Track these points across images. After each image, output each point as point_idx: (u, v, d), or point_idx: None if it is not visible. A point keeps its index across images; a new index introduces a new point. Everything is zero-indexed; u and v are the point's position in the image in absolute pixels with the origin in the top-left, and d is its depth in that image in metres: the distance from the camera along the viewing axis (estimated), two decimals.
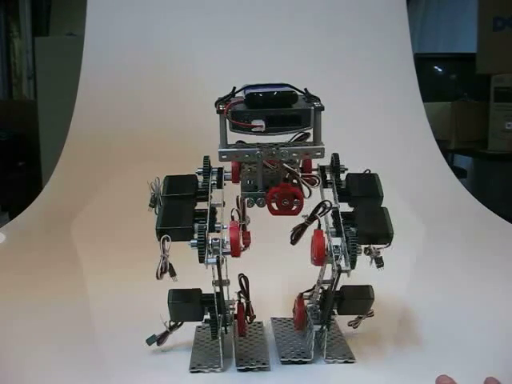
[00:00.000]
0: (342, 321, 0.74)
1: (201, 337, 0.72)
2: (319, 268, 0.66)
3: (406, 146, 1.56)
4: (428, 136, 1.60)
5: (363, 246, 0.62)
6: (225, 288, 0.63)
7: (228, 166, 0.69)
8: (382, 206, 0.66)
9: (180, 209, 0.65)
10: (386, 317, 0.79)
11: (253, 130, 0.58)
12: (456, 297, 0.90)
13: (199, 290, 0.67)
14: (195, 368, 0.65)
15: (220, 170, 0.70)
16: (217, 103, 0.61)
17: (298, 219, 0.63)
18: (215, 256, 0.60)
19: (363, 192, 0.68)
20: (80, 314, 0.85)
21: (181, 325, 0.69)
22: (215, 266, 0.60)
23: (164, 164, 0.99)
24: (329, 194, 0.66)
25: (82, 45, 1.63)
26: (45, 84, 2.09)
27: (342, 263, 0.60)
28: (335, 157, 0.70)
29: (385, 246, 0.63)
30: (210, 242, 0.61)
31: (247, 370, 0.65)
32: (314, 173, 0.69)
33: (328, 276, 0.64)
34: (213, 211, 0.65)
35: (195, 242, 0.61)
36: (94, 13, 1.65)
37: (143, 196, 0.70)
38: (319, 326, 0.66)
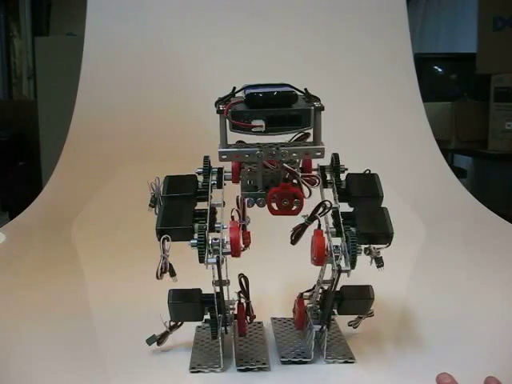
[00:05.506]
0: (342, 321, 0.74)
1: (201, 337, 0.72)
2: (319, 268, 0.66)
3: (406, 146, 1.55)
4: (428, 136, 1.60)
5: (363, 246, 0.62)
6: (225, 288, 0.63)
7: (228, 166, 0.69)
8: (382, 205, 0.66)
9: (180, 209, 0.65)
10: (386, 317, 0.79)
11: (253, 130, 0.58)
12: (456, 297, 0.90)
13: (199, 290, 0.67)
14: (195, 368, 0.65)
15: (220, 169, 0.70)
16: (217, 103, 0.61)
17: (298, 219, 0.63)
18: (215, 256, 0.60)
19: (363, 192, 0.68)
20: (80, 314, 0.85)
21: (181, 325, 0.69)
22: (215, 266, 0.60)
23: (164, 164, 0.99)
24: (329, 194, 0.66)
25: (82, 45, 1.63)
26: (45, 84, 2.09)
27: (342, 263, 0.60)
28: (335, 157, 0.70)
29: (385, 245, 0.63)
30: (210, 242, 0.61)
31: (247, 370, 0.65)
32: (314, 173, 0.69)
33: (328, 276, 0.64)
34: (213, 211, 0.65)
35: (195, 241, 0.61)
36: (94, 13, 1.65)
37: (143, 196, 0.70)
38: (319, 326, 0.66)
